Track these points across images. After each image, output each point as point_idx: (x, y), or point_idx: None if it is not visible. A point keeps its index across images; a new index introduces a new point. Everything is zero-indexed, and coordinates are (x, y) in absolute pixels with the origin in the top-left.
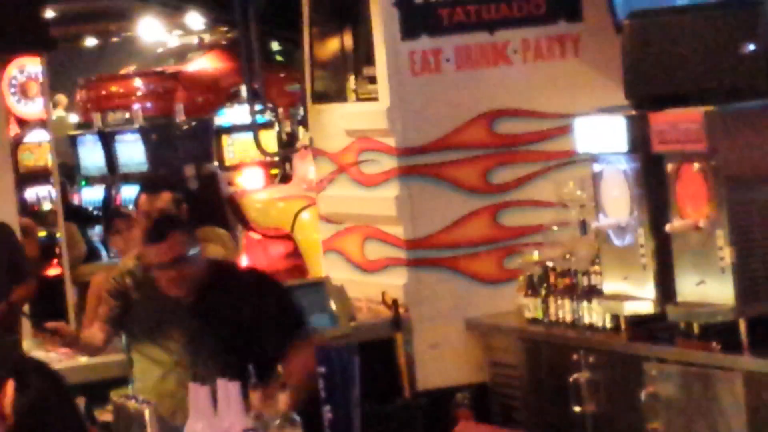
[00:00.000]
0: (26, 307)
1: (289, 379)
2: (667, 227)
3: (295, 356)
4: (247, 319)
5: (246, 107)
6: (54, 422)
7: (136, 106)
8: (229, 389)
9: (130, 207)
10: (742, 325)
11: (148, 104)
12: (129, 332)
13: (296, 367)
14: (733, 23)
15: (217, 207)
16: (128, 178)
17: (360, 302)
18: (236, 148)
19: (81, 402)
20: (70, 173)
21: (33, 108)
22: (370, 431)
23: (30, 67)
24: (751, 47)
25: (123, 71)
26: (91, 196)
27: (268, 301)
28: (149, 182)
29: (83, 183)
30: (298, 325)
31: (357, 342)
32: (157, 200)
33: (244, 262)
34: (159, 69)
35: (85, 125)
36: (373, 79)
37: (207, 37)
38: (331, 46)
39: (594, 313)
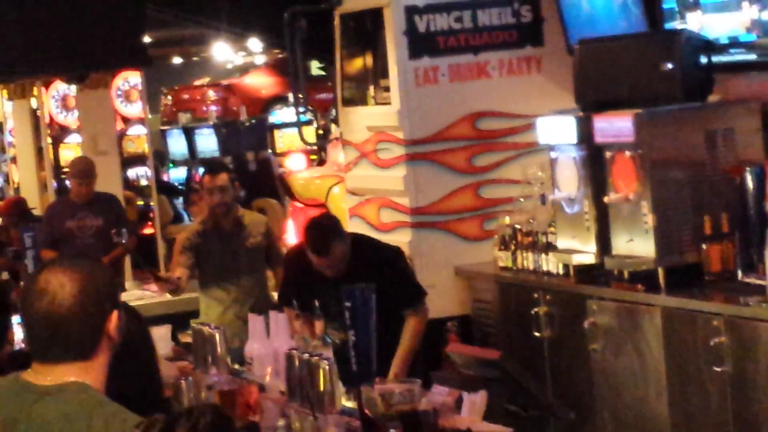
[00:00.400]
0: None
1: (404, 345)
2: (605, 199)
3: (412, 323)
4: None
5: (292, 109)
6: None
7: (212, 108)
8: (279, 319)
9: None
10: (660, 272)
11: (214, 107)
12: (200, 277)
13: (413, 333)
14: (656, 47)
15: (270, 183)
16: (204, 162)
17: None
18: (285, 139)
19: (168, 328)
20: (161, 158)
21: (133, 109)
22: (384, 351)
23: (132, 78)
24: (669, 65)
25: (198, 83)
26: (176, 175)
27: (398, 272)
28: (211, 165)
29: (171, 165)
30: (417, 296)
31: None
32: (217, 179)
33: (290, 225)
34: (224, 82)
35: (170, 123)
36: (387, 89)
37: (264, 57)
38: (356, 63)
39: (550, 263)
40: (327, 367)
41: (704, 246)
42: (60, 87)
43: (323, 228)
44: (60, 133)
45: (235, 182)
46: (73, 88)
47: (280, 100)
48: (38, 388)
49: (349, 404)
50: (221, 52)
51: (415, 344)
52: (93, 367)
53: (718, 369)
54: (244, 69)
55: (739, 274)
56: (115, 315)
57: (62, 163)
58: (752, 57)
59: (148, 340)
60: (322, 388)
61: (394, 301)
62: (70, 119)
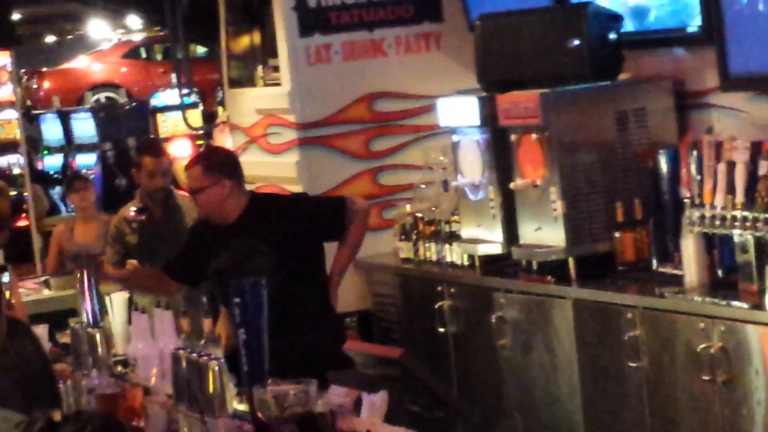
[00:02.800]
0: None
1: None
2: (511, 185)
3: (353, 221)
4: (294, 231)
5: (176, 91)
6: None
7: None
8: (164, 317)
9: (84, 171)
10: (571, 262)
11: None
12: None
13: (356, 230)
14: (562, 23)
15: None
16: (81, 149)
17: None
18: (169, 123)
19: (45, 328)
20: (34, 145)
21: (3, 92)
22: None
23: (1, 58)
24: (576, 42)
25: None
26: (51, 162)
27: (307, 209)
28: (150, 145)
29: (45, 152)
30: (339, 205)
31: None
32: (162, 161)
33: None
34: None
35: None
36: (276, 69)
37: (143, 35)
38: (243, 42)
39: (454, 254)
40: (216, 368)
41: (617, 234)
42: None
43: (199, 153)
44: None
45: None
46: None
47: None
48: None
49: (241, 407)
50: (97, 29)
51: (358, 244)
52: None
53: (634, 364)
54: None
55: (654, 263)
56: None
57: None
58: (664, 32)
59: (41, 351)
60: (211, 390)
61: (319, 238)
62: None
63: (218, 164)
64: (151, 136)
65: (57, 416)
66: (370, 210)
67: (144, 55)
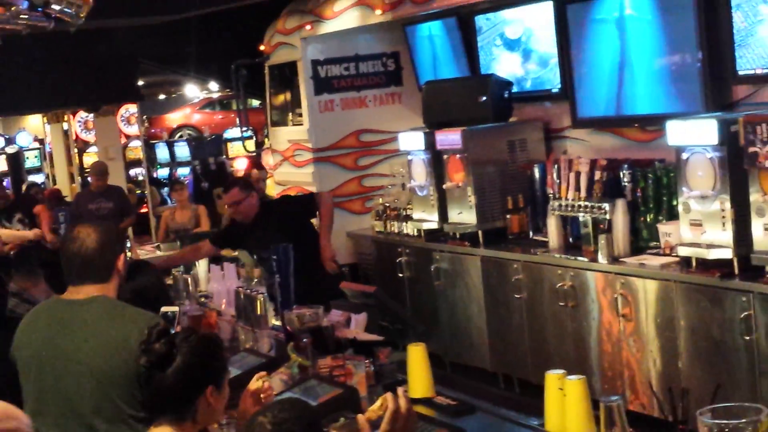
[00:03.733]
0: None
1: (326, 216)
2: (444, 186)
3: (321, 204)
4: (290, 217)
5: (239, 129)
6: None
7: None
8: (229, 267)
9: (181, 178)
10: (480, 234)
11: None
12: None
13: (324, 209)
14: (475, 86)
15: (225, 177)
16: (180, 164)
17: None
18: (234, 148)
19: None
20: (152, 161)
21: (132, 129)
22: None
23: (131, 108)
24: (483, 98)
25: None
26: (162, 173)
27: (289, 203)
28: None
29: (158, 166)
30: (311, 197)
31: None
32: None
33: None
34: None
35: (154, 138)
36: (300, 114)
37: (219, 94)
38: (280, 98)
39: (409, 228)
40: (261, 299)
41: (508, 216)
42: (82, 114)
43: (232, 179)
44: (83, 145)
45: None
46: (92, 115)
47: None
48: (76, 301)
49: (277, 323)
50: (190, 90)
51: (331, 217)
52: (109, 288)
53: (518, 296)
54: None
55: (531, 233)
56: (122, 256)
57: (85, 165)
58: (538, 92)
59: (162, 281)
60: (258, 312)
61: (305, 216)
62: (90, 136)
63: (247, 184)
64: (223, 156)
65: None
66: (331, 196)
67: (218, 106)
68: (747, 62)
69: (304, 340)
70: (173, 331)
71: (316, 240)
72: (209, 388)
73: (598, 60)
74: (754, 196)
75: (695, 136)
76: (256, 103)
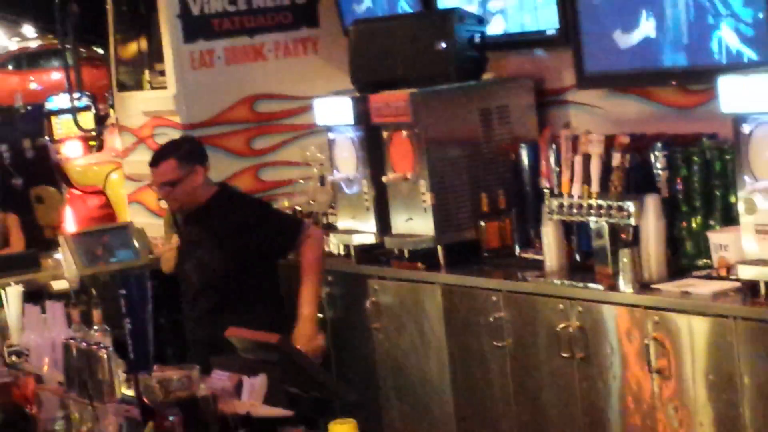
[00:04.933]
0: None
1: (310, 270)
2: (384, 179)
3: (306, 255)
4: (248, 229)
5: (68, 95)
6: None
7: None
8: (55, 308)
9: None
10: (440, 250)
11: None
12: None
13: (309, 260)
14: (429, 27)
15: (48, 171)
16: None
17: (156, 240)
18: (62, 125)
19: None
20: None
21: None
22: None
23: None
24: (442, 44)
25: None
26: None
27: (267, 222)
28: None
29: None
30: (296, 224)
31: (152, 269)
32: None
33: (68, 212)
34: None
35: None
36: (162, 73)
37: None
38: (131, 48)
39: (331, 244)
40: (106, 356)
41: (482, 223)
42: None
43: (168, 143)
44: None
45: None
46: None
47: None
48: None
49: (129, 392)
50: None
51: (317, 273)
52: None
53: (499, 344)
54: (18, 56)
55: (517, 249)
56: None
57: None
58: (524, 34)
59: None
60: (101, 377)
61: (276, 247)
62: None
63: (191, 153)
64: (46, 137)
65: None
66: (323, 235)
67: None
68: None
69: (171, 418)
70: None
71: (266, 283)
72: None
73: None
74: None
75: (762, 98)
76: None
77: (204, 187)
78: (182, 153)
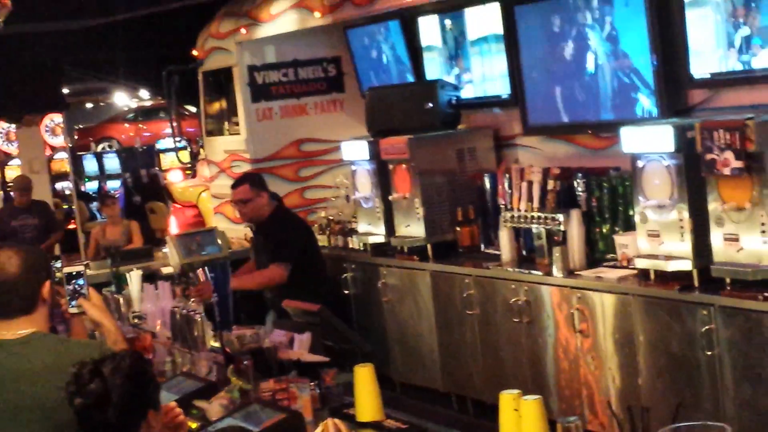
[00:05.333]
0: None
1: (253, 276)
2: (390, 198)
3: (266, 271)
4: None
5: (171, 139)
6: None
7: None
8: (164, 286)
9: (112, 192)
10: (429, 247)
11: (123, 136)
12: None
13: (258, 274)
14: (421, 92)
15: (158, 191)
16: (110, 177)
17: (233, 240)
18: (167, 160)
19: None
20: (79, 174)
21: (58, 140)
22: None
23: (56, 118)
24: (430, 105)
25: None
26: (90, 186)
27: (276, 231)
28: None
29: (86, 180)
30: (279, 250)
31: (231, 259)
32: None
33: (172, 220)
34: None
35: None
36: (237, 123)
37: (151, 102)
38: (215, 106)
39: (354, 242)
40: (199, 319)
41: (458, 228)
42: (3, 125)
43: (244, 174)
44: (5, 158)
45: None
46: (13, 126)
47: None
48: (6, 342)
49: (216, 344)
50: (119, 98)
51: (256, 279)
52: (39, 320)
53: (470, 312)
54: (138, 111)
55: (482, 246)
56: (48, 282)
57: (7, 179)
58: (486, 97)
59: None
60: (195, 334)
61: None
62: (12, 148)
63: (258, 182)
64: (156, 167)
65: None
66: (275, 278)
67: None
68: (701, 66)
69: (245, 362)
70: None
71: (312, 276)
72: (149, 412)
73: (549, 65)
74: (713, 205)
75: (651, 142)
76: (192, 109)
77: (265, 207)
78: (253, 181)
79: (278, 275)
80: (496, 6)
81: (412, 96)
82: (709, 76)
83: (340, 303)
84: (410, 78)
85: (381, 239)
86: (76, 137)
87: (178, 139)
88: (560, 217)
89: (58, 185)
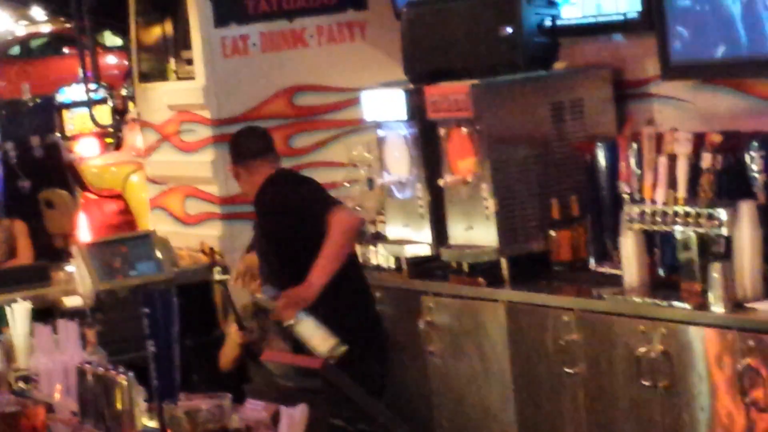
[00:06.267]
0: None
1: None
2: (440, 182)
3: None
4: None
5: (83, 86)
6: None
7: None
8: (69, 328)
9: None
10: (504, 263)
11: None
12: None
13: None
14: (493, 10)
15: (59, 172)
16: None
17: (182, 251)
18: (75, 121)
19: None
20: None
21: None
22: (192, 360)
23: None
24: (508, 30)
25: None
26: None
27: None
28: None
29: None
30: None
31: (178, 284)
32: None
33: (82, 219)
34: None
35: None
36: (190, 61)
37: (49, 27)
38: (154, 33)
39: (380, 256)
40: (125, 383)
41: (552, 232)
42: None
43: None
44: None
45: None
46: None
47: None
48: None
49: (152, 424)
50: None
51: (333, 246)
52: None
53: (571, 370)
54: (26, 41)
55: (592, 262)
56: None
57: None
58: (601, 18)
59: None
60: (119, 407)
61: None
62: None
63: (246, 149)
64: (57, 134)
65: None
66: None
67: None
68: None
69: None
70: None
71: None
72: None
73: None
74: None
75: None
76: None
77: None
78: (236, 152)
79: (348, 221)
80: None
81: (478, 16)
82: None
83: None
84: None
85: (425, 250)
86: None
87: (92, 87)
88: (723, 213)
89: None
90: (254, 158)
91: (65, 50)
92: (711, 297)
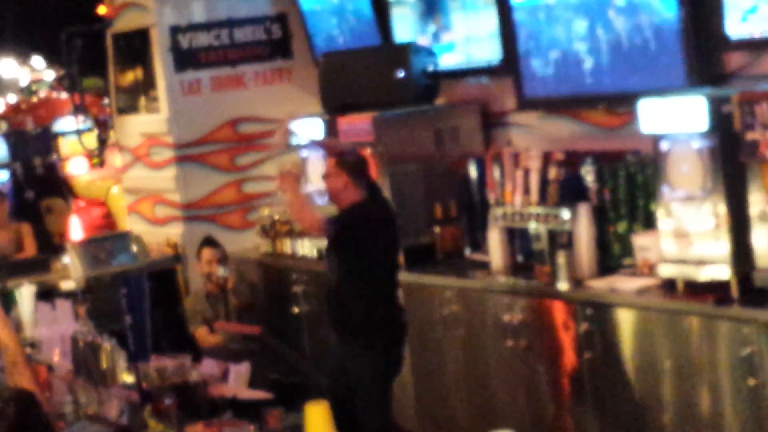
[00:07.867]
0: None
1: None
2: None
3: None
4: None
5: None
6: None
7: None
8: (64, 305)
9: None
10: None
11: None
12: None
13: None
14: (389, 58)
15: (56, 185)
16: None
17: (152, 246)
18: (68, 145)
19: None
20: None
21: None
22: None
23: None
24: (401, 73)
25: None
26: None
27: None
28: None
29: None
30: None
31: (149, 271)
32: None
33: (74, 221)
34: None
35: None
36: (156, 99)
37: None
38: (128, 77)
39: (305, 248)
40: (109, 348)
41: (436, 229)
42: None
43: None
44: None
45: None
46: None
47: None
48: None
49: (130, 379)
50: (6, 68)
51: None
52: None
53: (451, 335)
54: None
55: (467, 251)
56: None
57: None
58: (471, 64)
59: None
60: (104, 366)
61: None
62: None
63: (347, 164)
64: (54, 155)
65: None
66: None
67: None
68: (740, 24)
69: (167, 401)
70: None
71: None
72: None
73: (550, 23)
74: (755, 197)
75: (677, 119)
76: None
77: (343, 192)
78: (343, 160)
79: (313, 223)
80: None
81: (378, 63)
82: (748, 36)
83: (284, 323)
84: (376, 41)
85: None
86: None
87: (81, 119)
88: (565, 213)
89: None
90: (358, 178)
91: (61, 95)
92: (558, 276)
